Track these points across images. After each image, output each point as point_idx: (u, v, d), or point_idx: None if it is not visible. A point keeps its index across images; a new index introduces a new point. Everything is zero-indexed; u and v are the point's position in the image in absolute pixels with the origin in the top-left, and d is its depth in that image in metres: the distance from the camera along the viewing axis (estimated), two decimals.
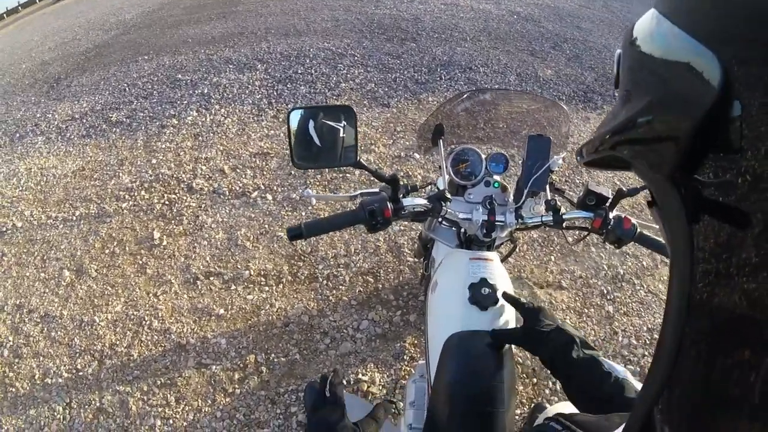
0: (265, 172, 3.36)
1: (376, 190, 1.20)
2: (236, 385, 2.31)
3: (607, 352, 2.37)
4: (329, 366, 2.32)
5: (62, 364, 2.62)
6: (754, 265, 0.22)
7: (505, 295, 1.08)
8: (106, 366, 2.54)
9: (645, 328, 2.48)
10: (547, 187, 1.27)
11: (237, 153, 3.55)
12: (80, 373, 2.55)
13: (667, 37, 0.29)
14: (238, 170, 3.42)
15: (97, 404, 2.41)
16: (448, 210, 1.18)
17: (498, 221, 1.20)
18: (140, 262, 2.98)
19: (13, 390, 2.62)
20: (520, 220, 1.21)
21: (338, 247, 2.76)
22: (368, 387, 2.18)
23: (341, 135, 1.08)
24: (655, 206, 0.32)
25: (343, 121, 1.08)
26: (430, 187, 1.47)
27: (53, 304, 2.92)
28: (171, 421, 2.27)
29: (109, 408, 2.39)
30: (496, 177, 1.33)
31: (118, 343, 2.62)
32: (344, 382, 2.19)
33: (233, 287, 2.72)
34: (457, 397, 0.95)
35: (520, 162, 1.36)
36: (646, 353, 2.36)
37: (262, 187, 3.26)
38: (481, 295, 1.05)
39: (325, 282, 2.63)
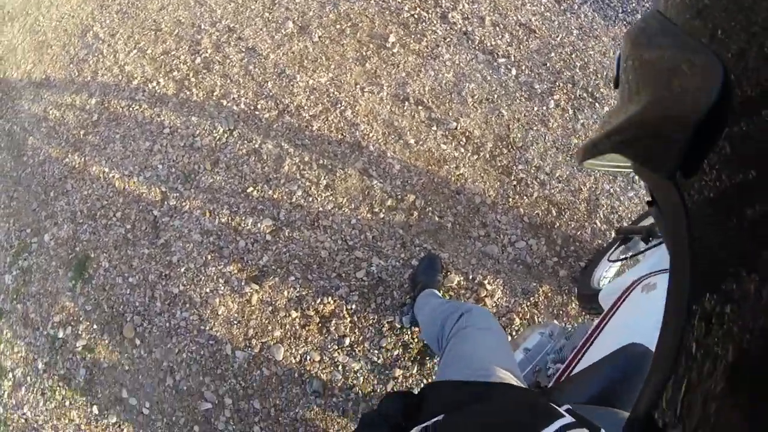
0: (521, 47, 2.85)
1: None
2: (384, 210, 2.18)
3: None
4: (469, 253, 2.08)
5: (244, 96, 2.48)
6: (755, 264, 0.20)
7: None
8: (283, 120, 2.35)
9: None
10: None
11: (504, 11, 3.04)
12: (256, 113, 2.39)
13: (667, 36, 0.27)
14: (497, 27, 2.93)
15: (256, 146, 2.26)
16: None
17: None
18: (364, 53, 2.70)
19: (187, 93, 2.55)
20: None
21: (547, 161, 2.28)
22: (485, 295, 1.99)
23: None
24: (655, 206, 0.32)
25: None
26: None
27: (264, 43, 2.76)
28: (310, 198, 2.13)
29: (265, 155, 2.23)
30: None
31: (306, 108, 2.40)
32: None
33: (434, 128, 2.37)
34: (591, 399, 0.85)
35: None
36: None
37: (512, 59, 2.77)
38: None
39: (514, 182, 2.23)
